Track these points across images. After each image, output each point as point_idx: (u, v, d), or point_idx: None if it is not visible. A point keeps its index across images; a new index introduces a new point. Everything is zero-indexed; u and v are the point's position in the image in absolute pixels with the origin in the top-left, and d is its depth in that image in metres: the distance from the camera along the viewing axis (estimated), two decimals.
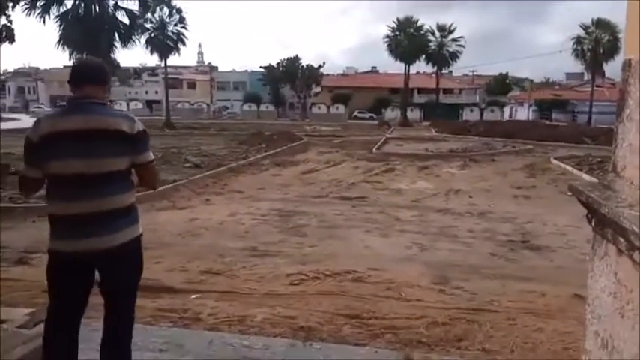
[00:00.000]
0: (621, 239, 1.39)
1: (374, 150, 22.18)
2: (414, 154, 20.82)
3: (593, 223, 1.64)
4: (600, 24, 45.24)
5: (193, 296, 5.37)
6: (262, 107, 63.83)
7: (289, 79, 61.37)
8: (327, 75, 68.12)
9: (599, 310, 1.61)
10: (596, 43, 44.94)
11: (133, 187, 2.56)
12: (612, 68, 50.18)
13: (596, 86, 49.63)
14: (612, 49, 44.68)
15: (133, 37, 27.83)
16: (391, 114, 58.57)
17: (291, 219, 9.21)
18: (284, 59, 62.19)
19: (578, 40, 46.40)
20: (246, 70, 78.37)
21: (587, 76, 63.74)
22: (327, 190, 12.38)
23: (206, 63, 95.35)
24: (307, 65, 61.52)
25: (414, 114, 57.33)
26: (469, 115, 56.70)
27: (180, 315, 4.86)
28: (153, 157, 2.61)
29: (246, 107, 64.33)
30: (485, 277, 6.25)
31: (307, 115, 60.21)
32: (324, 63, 63.23)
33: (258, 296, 5.49)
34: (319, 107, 61.31)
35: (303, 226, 8.68)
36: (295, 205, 10.43)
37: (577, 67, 52.11)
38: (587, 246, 6.10)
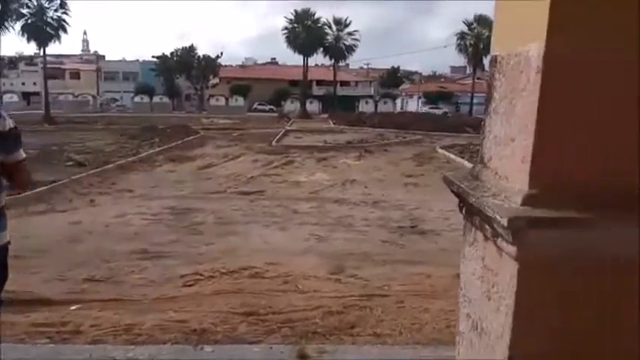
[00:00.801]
0: (487, 227, 1.47)
1: (273, 143, 22.14)
2: (312, 145, 21.11)
3: (463, 212, 1.72)
4: (481, 21, 49.14)
5: (73, 307, 4.94)
6: (156, 99, 60.76)
7: (185, 70, 59.09)
8: (226, 66, 66.60)
9: (469, 293, 1.70)
10: (477, 39, 48.80)
11: (2, 190, 2.30)
12: None
13: (477, 79, 53.95)
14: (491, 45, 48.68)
15: (6, 24, 24.92)
16: (291, 106, 58.86)
17: (187, 217, 8.87)
18: (178, 49, 59.77)
19: (462, 36, 50.09)
20: (137, 60, 73.98)
21: (469, 70, 69.18)
22: (224, 185, 12.11)
23: (92, 52, 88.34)
24: (204, 55, 59.70)
25: (313, 106, 58.16)
26: (365, 107, 58.80)
27: (59, 329, 4.43)
28: (24, 156, 2.42)
29: (137, 99, 60.84)
30: (377, 263, 6.50)
31: (205, 108, 58.46)
32: (221, 53, 61.49)
33: (147, 302, 5.19)
34: (217, 99, 59.81)
35: (199, 224, 8.39)
36: (191, 202, 10.06)
37: (461, 61, 56.35)
38: None
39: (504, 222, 1.26)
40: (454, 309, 4.97)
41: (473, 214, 1.62)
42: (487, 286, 1.53)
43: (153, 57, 62.33)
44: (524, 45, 1.38)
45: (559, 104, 1.29)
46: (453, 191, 1.75)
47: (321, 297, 5.29)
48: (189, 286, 5.68)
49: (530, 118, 1.33)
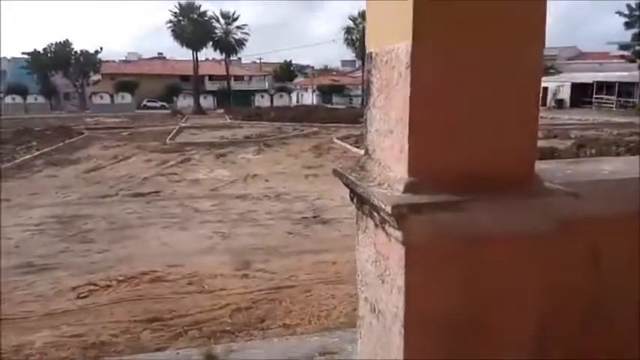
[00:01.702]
0: (375, 214, 1.55)
1: (168, 140, 21.21)
2: (209, 142, 20.57)
3: (354, 202, 1.79)
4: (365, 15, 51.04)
5: None
6: (30, 99, 55.18)
7: (61, 67, 54.33)
8: (107, 62, 62.31)
9: (365, 278, 1.78)
10: (363, 33, 50.59)
11: None
12: None
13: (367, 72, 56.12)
14: None
15: None
16: (183, 102, 56.77)
17: (75, 224, 8.21)
18: (52, 44, 54.73)
19: (348, 30, 51.72)
20: (4, 58, 66.35)
21: (358, 64, 71.74)
22: (116, 188, 11.38)
23: None
24: (82, 51, 55.33)
25: (207, 101, 56.63)
26: (260, 102, 58.52)
27: None
28: None
29: (9, 100, 54.75)
30: (283, 255, 6.55)
31: (87, 106, 54.31)
32: (101, 48, 57.91)
33: (36, 319, 4.77)
34: (101, 97, 55.86)
35: (89, 231, 7.82)
36: (78, 209, 9.33)
37: (350, 55, 58.23)
38: None
39: (389, 209, 1.34)
40: None
41: (363, 203, 1.70)
42: (380, 270, 1.61)
43: (23, 53, 56.49)
44: (394, 43, 1.47)
45: (428, 98, 1.41)
46: (343, 183, 1.81)
47: (229, 294, 5.23)
48: (83, 297, 5.31)
49: (404, 111, 1.43)
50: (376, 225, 1.59)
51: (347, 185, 1.74)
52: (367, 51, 1.73)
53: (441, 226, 1.38)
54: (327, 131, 24.61)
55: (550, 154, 10.76)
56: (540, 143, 12.65)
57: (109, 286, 5.56)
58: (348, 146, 17.76)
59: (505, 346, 1.54)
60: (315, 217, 8.44)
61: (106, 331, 4.50)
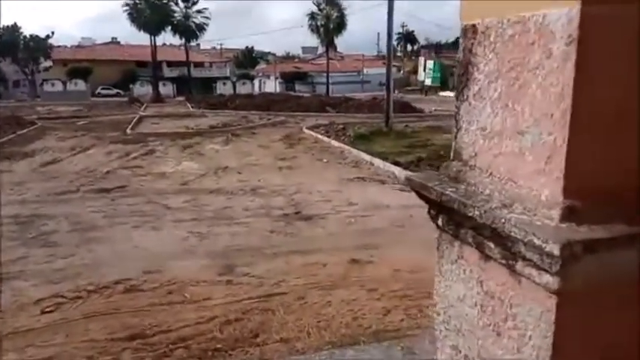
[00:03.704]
0: (492, 245, 1.17)
1: (128, 130, 20.18)
2: (173, 132, 19.72)
3: (440, 222, 1.41)
4: (329, 1, 50.46)
5: None
6: None
7: (9, 53, 51.17)
8: (59, 47, 59.19)
9: (457, 322, 1.41)
10: (327, 19, 50.11)
11: None
12: (341, 42, 57.00)
13: (330, 59, 55.65)
14: (341, 25, 50.63)
15: None
16: (141, 89, 54.76)
17: (33, 226, 7.49)
18: None
19: (312, 16, 50.97)
20: None
21: (320, 50, 71.16)
22: (76, 184, 10.59)
23: None
24: (31, 36, 52.23)
25: (166, 89, 54.83)
26: (222, 89, 57.14)
27: None
28: None
29: None
30: (268, 257, 6.12)
31: (38, 94, 51.51)
32: (52, 33, 54.35)
33: None
34: (53, 84, 53.22)
35: (50, 233, 7.13)
36: (36, 208, 8.57)
37: (312, 42, 57.50)
38: (350, 209, 6.48)
39: (552, 248, 0.97)
40: (355, 298, 4.87)
41: (461, 226, 1.31)
42: (493, 318, 1.25)
43: None
44: (534, 9, 1.08)
45: (601, 85, 1.02)
46: (423, 196, 1.42)
47: (215, 305, 4.78)
48: (50, 312, 4.72)
49: (556, 104, 1.05)
50: (488, 258, 1.22)
51: (433, 201, 1.35)
52: (464, 23, 1.33)
53: (616, 267, 1.02)
54: (294, 120, 24.11)
55: None
56: None
57: (78, 297, 4.99)
58: (319, 136, 17.37)
59: None
60: (296, 213, 8.03)
61: (80, 352, 3.98)
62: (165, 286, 5.21)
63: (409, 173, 9.96)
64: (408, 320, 4.37)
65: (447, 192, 1.29)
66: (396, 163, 11.49)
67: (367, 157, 12.66)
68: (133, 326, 4.39)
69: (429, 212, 1.44)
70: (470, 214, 1.21)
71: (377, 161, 12.11)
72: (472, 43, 1.30)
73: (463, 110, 1.36)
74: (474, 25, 1.29)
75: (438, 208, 1.38)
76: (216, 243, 6.64)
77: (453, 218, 1.34)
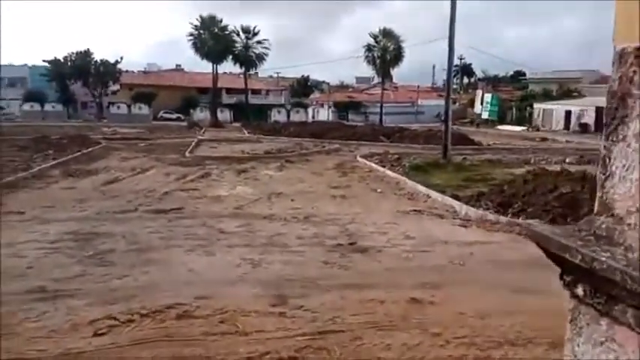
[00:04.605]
0: None
1: (186, 153, 20.73)
2: (229, 156, 20.06)
3: (580, 292, 1.11)
4: (386, 33, 50.82)
5: None
6: (48, 107, 55.53)
7: (80, 76, 54.67)
8: (127, 72, 62.63)
9: None
10: (384, 51, 50.38)
11: None
12: (396, 73, 57.09)
13: (384, 89, 55.72)
14: (397, 57, 50.75)
15: None
16: (200, 114, 56.72)
17: (92, 243, 7.61)
18: (73, 53, 55.16)
19: (369, 48, 51.43)
20: (25, 65, 67.05)
21: (374, 80, 71.49)
22: (135, 203, 10.81)
23: None
24: (102, 60, 55.63)
25: (224, 115, 56.52)
26: (277, 116, 58.25)
27: None
28: None
29: (27, 107, 55.19)
30: (323, 289, 5.85)
31: (104, 116, 54.45)
32: (121, 58, 57.59)
33: None
34: (118, 107, 56.09)
35: (107, 252, 7.20)
36: (96, 225, 8.74)
37: (365, 72, 57.79)
38: (407, 242, 6.08)
39: None
40: (418, 343, 4.47)
41: (615, 300, 1.01)
42: None
43: (44, 61, 56.95)
44: None
45: None
46: (554, 255, 1.13)
47: (267, 339, 4.54)
48: (102, 334, 4.64)
49: None
50: None
51: (568, 262, 1.06)
52: (621, 47, 1.07)
53: None
54: (348, 148, 24.01)
55: None
56: (580, 169, 11.84)
57: (130, 321, 4.90)
58: (374, 165, 17.10)
59: None
60: (351, 244, 7.74)
61: None
62: (217, 314, 5.03)
63: (470, 208, 9.45)
64: None
65: (601, 257, 1.00)
66: (455, 197, 11.01)
67: (424, 190, 12.24)
68: (185, 356, 4.23)
69: (561, 277, 1.15)
70: (633, 289, 0.92)
71: (434, 194, 11.67)
72: (634, 71, 1.03)
73: (617, 153, 1.08)
74: (638, 49, 1.02)
75: (579, 274, 1.09)
76: (269, 271, 6.45)
77: (601, 289, 1.04)
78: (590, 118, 42.93)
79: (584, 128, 42.17)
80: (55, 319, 4.91)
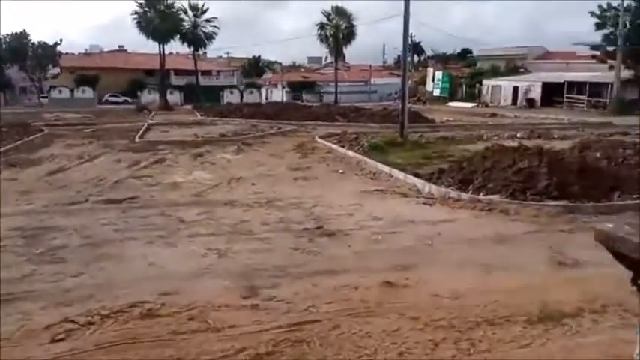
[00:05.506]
0: None
1: (137, 139, 19.83)
2: (183, 140, 19.36)
3: None
4: (339, 12, 50.28)
5: None
6: None
7: (17, 59, 51.19)
8: (67, 54, 59.17)
9: None
10: (337, 29, 49.92)
11: None
12: (349, 52, 56.93)
13: (337, 69, 55.38)
14: (350, 35, 50.49)
15: None
16: (148, 97, 54.62)
17: (42, 239, 7.08)
18: (7, 35, 51.48)
19: (322, 27, 50.78)
20: None
21: (326, 60, 71.13)
22: (85, 194, 10.20)
23: None
24: (40, 43, 52.21)
25: (173, 97, 54.65)
26: (230, 97, 56.93)
27: None
28: None
29: None
30: (294, 277, 5.68)
31: (45, 99, 51.43)
32: (61, 40, 54.11)
33: None
34: (60, 91, 53.24)
35: (59, 248, 6.71)
36: (44, 219, 8.16)
37: (317, 52, 57.22)
38: (374, 224, 5.98)
39: None
40: (397, 328, 4.37)
41: None
42: None
43: None
44: None
45: None
46: (627, 257, 0.98)
47: (241, 334, 4.34)
48: (61, 340, 4.29)
49: None
50: None
51: None
52: None
53: None
54: (305, 129, 23.71)
55: (555, 157, 10.26)
56: (532, 144, 12.12)
57: (90, 323, 4.55)
58: (333, 145, 16.93)
59: None
60: (318, 228, 7.58)
61: None
62: (185, 311, 4.77)
63: (433, 186, 9.46)
64: (460, 356, 3.90)
65: None
66: (417, 175, 11.04)
67: (385, 169, 12.22)
68: (154, 358, 3.95)
69: (634, 281, 1.00)
70: None
71: (396, 173, 11.66)
72: None
73: None
74: None
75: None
76: (236, 261, 6.20)
77: None
78: (536, 94, 44.41)
79: (530, 103, 43.60)
80: (7, 326, 4.50)
